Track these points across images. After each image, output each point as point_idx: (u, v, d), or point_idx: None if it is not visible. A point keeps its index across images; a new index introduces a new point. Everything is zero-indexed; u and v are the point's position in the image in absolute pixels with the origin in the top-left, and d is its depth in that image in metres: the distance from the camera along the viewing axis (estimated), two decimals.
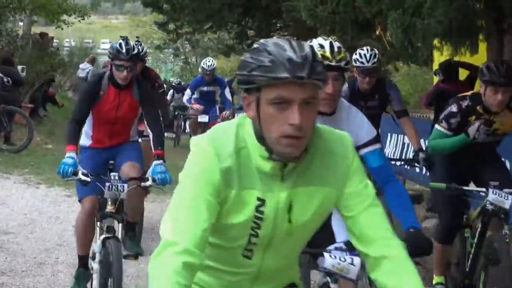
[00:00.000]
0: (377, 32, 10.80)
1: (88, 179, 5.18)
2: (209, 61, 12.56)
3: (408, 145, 10.85)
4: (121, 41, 5.72)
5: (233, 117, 19.13)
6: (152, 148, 5.59)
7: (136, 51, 5.73)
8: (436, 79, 10.03)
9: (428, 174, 9.45)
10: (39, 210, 9.04)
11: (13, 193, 10.00)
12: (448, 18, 7.85)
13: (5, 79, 13.70)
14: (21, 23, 23.94)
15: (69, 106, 21.62)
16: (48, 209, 9.10)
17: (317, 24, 10.30)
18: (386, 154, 11.77)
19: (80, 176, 5.16)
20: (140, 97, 5.87)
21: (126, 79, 5.70)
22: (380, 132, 12.27)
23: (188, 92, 12.76)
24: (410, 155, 10.71)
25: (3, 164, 12.18)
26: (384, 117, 7.91)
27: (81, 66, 22.15)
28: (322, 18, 10.03)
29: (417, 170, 10.32)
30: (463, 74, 9.46)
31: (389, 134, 11.81)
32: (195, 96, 12.62)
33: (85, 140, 6.01)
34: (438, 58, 10.29)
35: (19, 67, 15.18)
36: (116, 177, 5.29)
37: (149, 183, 5.26)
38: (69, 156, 5.24)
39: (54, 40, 24.11)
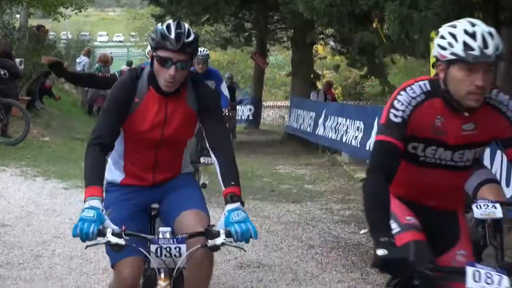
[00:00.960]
0: (374, 25, 10.80)
1: (122, 242, 3.36)
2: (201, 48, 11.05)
3: None
4: (170, 22, 3.75)
5: (232, 113, 19.12)
6: (221, 184, 3.67)
7: (192, 38, 3.70)
8: (433, 71, 10.02)
9: None
10: (35, 202, 9.03)
11: (10, 186, 9.99)
12: (445, 11, 7.88)
13: (1, 72, 13.70)
14: (17, 16, 23.86)
15: (66, 98, 21.62)
16: (45, 202, 9.10)
17: (314, 16, 10.30)
18: None
19: (110, 237, 3.34)
20: (199, 106, 3.88)
21: (174, 81, 3.71)
22: (377, 124, 12.35)
23: None
24: None
25: (0, 157, 12.17)
26: None
27: (77, 60, 22.10)
28: (319, 11, 10.04)
29: None
30: None
31: None
32: None
33: (114, 173, 4.05)
34: None
35: (17, 60, 15.14)
36: (167, 234, 3.45)
37: (220, 240, 3.41)
38: (90, 207, 3.40)
39: (51, 33, 24.05)
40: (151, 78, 3.80)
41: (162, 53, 3.67)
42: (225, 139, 3.86)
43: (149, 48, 6.56)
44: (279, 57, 43.08)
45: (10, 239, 7.27)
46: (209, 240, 3.43)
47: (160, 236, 3.43)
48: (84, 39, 36.15)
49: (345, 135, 14.33)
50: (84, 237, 3.31)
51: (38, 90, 17.83)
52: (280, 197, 10.61)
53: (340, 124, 14.95)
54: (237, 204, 3.50)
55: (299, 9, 10.88)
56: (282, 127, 24.92)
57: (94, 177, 3.55)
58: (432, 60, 11.40)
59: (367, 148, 12.66)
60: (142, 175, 4.01)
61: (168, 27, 3.68)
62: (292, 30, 22.88)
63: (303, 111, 18.78)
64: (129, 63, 23.83)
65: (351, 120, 14.15)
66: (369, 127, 12.76)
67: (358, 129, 13.52)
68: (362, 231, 8.47)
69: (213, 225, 3.52)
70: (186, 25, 3.73)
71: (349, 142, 13.94)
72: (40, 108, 17.86)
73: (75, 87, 24.20)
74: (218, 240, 3.39)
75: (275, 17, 23.94)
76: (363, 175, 12.12)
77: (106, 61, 20.45)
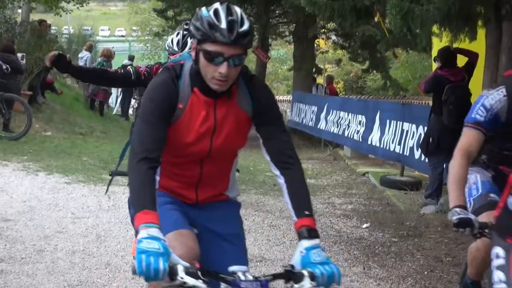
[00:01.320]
0: (376, 19, 10.79)
1: (203, 286, 2.62)
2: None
3: (407, 132, 10.85)
4: (217, 6, 2.96)
5: None
6: (292, 211, 3.15)
7: (246, 26, 2.93)
8: (435, 65, 10.04)
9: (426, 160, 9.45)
10: (38, 197, 9.04)
11: (12, 180, 10.00)
12: (447, 5, 7.86)
13: (4, 67, 13.71)
14: (19, 11, 23.84)
15: (68, 93, 21.62)
16: (47, 196, 9.10)
17: (316, 10, 10.29)
18: (385, 142, 11.79)
19: (185, 277, 2.61)
20: (255, 108, 3.17)
21: (226, 81, 2.99)
22: (378, 118, 12.36)
23: None
24: (409, 142, 10.71)
25: (2, 151, 12.18)
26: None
27: (79, 55, 22.08)
28: (321, 5, 10.02)
29: (416, 157, 10.33)
30: (461, 60, 9.46)
31: (388, 121, 11.81)
32: None
33: None
34: (437, 44, 10.29)
35: (19, 55, 15.16)
36: (249, 275, 2.73)
37: (308, 285, 2.77)
38: (151, 237, 2.66)
39: (53, 28, 24.05)
40: (195, 77, 3.05)
41: (210, 47, 2.91)
42: (291, 150, 3.16)
43: (169, 40, 6.00)
44: (281, 52, 43.04)
45: (12, 234, 7.28)
46: (294, 285, 2.78)
47: (241, 277, 2.71)
48: (86, 33, 36.09)
49: (347, 129, 14.33)
50: (153, 275, 2.56)
51: (40, 85, 17.85)
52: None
53: (342, 118, 14.95)
54: (317, 241, 2.98)
55: (300, 3, 10.85)
56: (284, 121, 24.92)
57: (146, 200, 2.80)
58: (434, 54, 11.41)
59: (369, 142, 12.67)
60: (183, 193, 3.32)
61: (217, 13, 2.91)
62: (294, 24, 22.86)
63: (305, 106, 18.78)
64: (131, 58, 23.82)
65: (353, 114, 14.16)
66: (370, 121, 12.77)
67: (360, 123, 13.52)
68: (364, 225, 8.48)
69: (292, 265, 2.89)
70: (238, 10, 2.96)
71: (351, 136, 13.95)
72: (42, 102, 17.87)
73: (77, 81, 24.20)
74: (306, 285, 2.76)
75: (277, 12, 23.90)
76: (365, 169, 12.19)
77: (109, 55, 20.43)
